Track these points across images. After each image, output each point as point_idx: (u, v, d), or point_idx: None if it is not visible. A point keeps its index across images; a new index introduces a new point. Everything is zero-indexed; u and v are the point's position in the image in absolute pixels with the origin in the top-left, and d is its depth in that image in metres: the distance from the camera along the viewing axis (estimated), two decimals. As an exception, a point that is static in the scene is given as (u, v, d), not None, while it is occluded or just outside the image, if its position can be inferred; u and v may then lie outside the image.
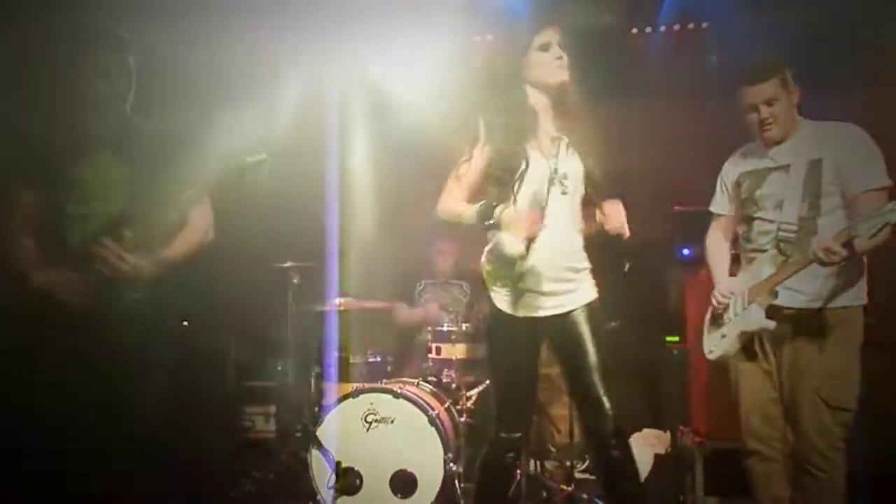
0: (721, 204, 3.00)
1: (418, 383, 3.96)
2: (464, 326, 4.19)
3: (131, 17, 2.75)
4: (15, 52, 3.36)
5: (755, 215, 2.82)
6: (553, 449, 4.40)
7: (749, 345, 2.81)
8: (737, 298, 2.82)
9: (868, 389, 2.71)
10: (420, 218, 4.35)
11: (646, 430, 4.44)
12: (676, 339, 4.20)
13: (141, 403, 2.48)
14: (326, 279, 4.34)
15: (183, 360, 2.72)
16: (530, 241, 2.49)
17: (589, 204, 2.64)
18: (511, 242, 2.54)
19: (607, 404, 2.50)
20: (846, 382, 2.67)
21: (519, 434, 2.65)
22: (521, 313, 2.59)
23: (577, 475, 4.17)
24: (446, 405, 3.89)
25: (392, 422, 3.58)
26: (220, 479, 4.06)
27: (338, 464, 3.52)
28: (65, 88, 2.54)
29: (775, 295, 2.71)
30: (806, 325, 2.70)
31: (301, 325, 4.22)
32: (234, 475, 4.13)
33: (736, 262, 3.00)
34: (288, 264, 4.17)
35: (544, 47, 2.59)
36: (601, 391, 2.51)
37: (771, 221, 2.77)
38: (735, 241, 3.01)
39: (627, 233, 2.53)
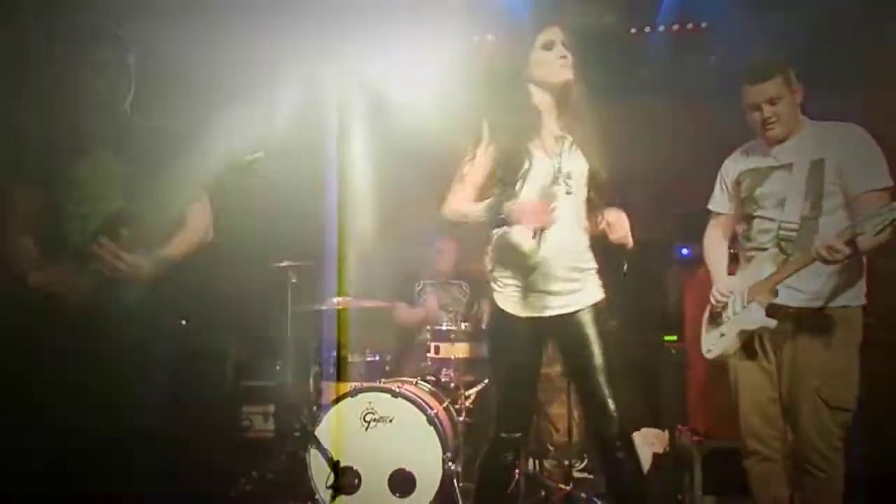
0: (720, 202, 3.00)
1: (417, 382, 3.97)
2: (463, 326, 4.19)
3: (131, 16, 2.75)
4: (15, 52, 3.36)
5: (755, 214, 2.82)
6: (551, 448, 4.41)
7: (749, 343, 2.81)
8: (736, 297, 2.81)
9: (867, 389, 2.71)
10: (420, 218, 4.37)
11: (644, 430, 4.44)
12: (675, 338, 4.21)
13: (140, 403, 2.48)
14: (325, 279, 4.35)
15: (182, 359, 2.72)
16: (542, 230, 2.47)
17: (591, 206, 2.63)
18: (522, 236, 2.52)
19: (612, 406, 2.49)
20: (846, 382, 2.67)
21: (519, 434, 2.64)
22: (526, 313, 2.57)
23: (576, 474, 4.18)
24: (445, 404, 3.89)
25: (391, 421, 3.58)
26: (218, 479, 4.06)
27: (336, 463, 3.53)
28: (64, 88, 2.54)
29: (776, 293, 2.70)
30: (806, 324, 2.70)
31: (300, 325, 4.22)
32: (232, 475, 4.13)
33: (734, 260, 3.00)
34: (287, 264, 4.17)
35: (548, 46, 2.58)
36: (606, 393, 2.50)
37: (772, 220, 2.76)
38: (733, 240, 3.01)
39: (631, 243, 2.52)
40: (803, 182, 2.70)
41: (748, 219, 2.86)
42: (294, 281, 4.19)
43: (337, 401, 3.67)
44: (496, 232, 2.61)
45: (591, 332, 2.54)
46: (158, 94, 2.90)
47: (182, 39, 3.54)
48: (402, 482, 3.50)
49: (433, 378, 4.10)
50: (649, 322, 4.51)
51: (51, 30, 2.77)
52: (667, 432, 4.20)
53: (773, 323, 2.70)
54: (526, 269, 2.56)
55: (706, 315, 2.97)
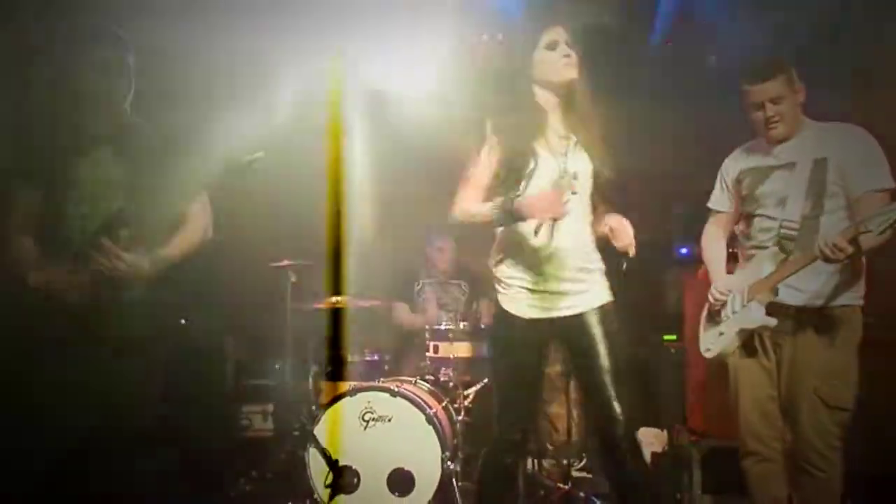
0: (720, 201, 3.00)
1: (416, 382, 3.97)
2: (462, 325, 4.20)
3: (131, 16, 2.75)
4: (15, 51, 3.35)
5: (756, 212, 2.82)
6: (551, 447, 4.42)
7: (749, 342, 2.80)
8: (735, 296, 2.81)
9: (866, 389, 2.71)
10: (419, 217, 4.37)
11: (643, 429, 4.44)
12: (674, 337, 4.21)
13: (139, 402, 2.48)
14: (324, 278, 4.35)
15: (182, 358, 2.73)
16: (554, 221, 2.45)
17: (596, 206, 2.62)
18: (533, 229, 2.48)
19: (618, 408, 2.47)
20: (845, 382, 2.68)
21: (520, 435, 2.64)
22: (530, 315, 2.56)
23: (575, 473, 4.19)
24: (444, 404, 3.89)
25: (389, 420, 3.59)
26: (218, 478, 4.07)
27: (335, 462, 3.53)
28: (64, 88, 2.54)
29: (776, 292, 2.70)
30: (806, 323, 2.70)
31: (299, 324, 4.22)
32: (231, 474, 4.13)
33: (733, 259, 3.00)
34: (286, 263, 4.17)
35: (551, 45, 2.57)
36: (612, 394, 2.48)
37: (773, 219, 2.76)
38: (732, 239, 3.01)
39: (633, 252, 2.50)
40: (805, 181, 2.70)
41: (748, 217, 2.86)
42: (293, 280, 4.19)
43: (336, 400, 3.67)
44: (503, 229, 2.59)
45: (598, 333, 2.52)
46: (159, 94, 2.90)
47: (182, 39, 3.54)
48: (400, 481, 3.50)
49: (432, 377, 4.11)
50: (649, 321, 4.51)
51: (51, 29, 2.77)
52: (665, 431, 4.20)
53: (773, 322, 2.69)
54: (536, 264, 2.53)
55: (704, 314, 2.97)
